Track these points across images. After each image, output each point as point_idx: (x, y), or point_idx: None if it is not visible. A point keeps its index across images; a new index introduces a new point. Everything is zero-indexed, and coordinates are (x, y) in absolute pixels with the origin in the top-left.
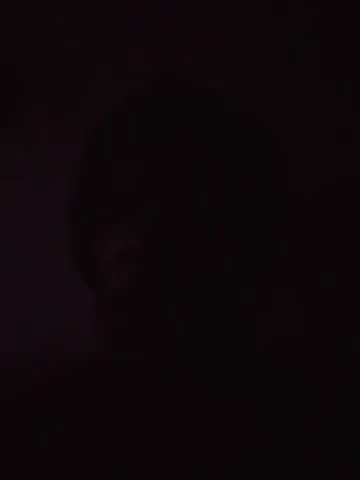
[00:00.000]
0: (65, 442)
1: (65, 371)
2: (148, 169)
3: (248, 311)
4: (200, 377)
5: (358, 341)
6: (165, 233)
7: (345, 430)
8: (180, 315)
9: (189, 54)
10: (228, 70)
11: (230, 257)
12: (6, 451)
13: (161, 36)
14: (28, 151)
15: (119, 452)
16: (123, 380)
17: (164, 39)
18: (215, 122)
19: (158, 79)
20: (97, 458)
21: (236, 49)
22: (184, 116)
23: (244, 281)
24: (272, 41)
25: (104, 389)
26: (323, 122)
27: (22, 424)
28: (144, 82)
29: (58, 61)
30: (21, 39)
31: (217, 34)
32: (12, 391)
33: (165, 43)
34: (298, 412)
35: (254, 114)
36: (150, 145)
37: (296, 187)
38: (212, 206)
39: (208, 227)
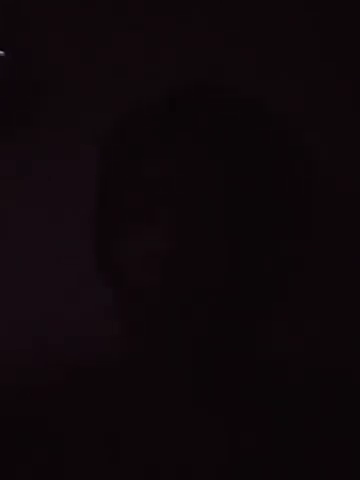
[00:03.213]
0: (65, 442)
1: (66, 371)
2: (179, 169)
3: (264, 313)
4: (218, 372)
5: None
6: (191, 235)
7: (345, 430)
8: (201, 315)
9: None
10: (235, 71)
11: (251, 259)
12: (6, 451)
13: (162, 36)
14: (45, 151)
15: (120, 452)
16: (129, 379)
17: (166, 38)
18: (247, 126)
19: (190, 81)
20: (98, 458)
21: (239, 49)
22: (217, 118)
23: (265, 281)
24: (279, 41)
25: (107, 389)
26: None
27: (22, 424)
28: (175, 84)
29: (76, 61)
30: (38, 39)
31: (217, 34)
32: (12, 391)
33: (167, 42)
34: (300, 412)
35: (286, 117)
36: (182, 145)
37: (327, 187)
38: (236, 207)
39: (232, 228)
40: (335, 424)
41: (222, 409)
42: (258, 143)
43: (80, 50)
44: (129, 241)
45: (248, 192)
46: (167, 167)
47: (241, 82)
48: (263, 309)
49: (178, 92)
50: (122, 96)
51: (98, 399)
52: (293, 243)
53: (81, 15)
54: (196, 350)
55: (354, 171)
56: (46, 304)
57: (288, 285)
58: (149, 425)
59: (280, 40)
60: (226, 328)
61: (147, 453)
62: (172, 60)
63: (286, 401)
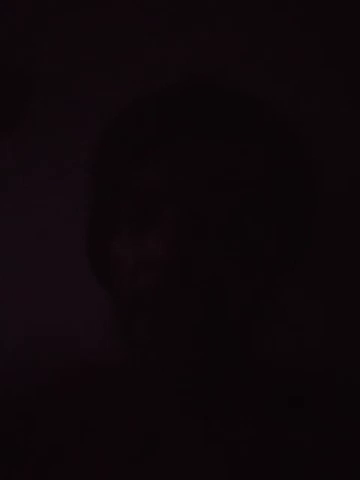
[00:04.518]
0: (65, 442)
1: (70, 373)
2: (178, 170)
3: (262, 313)
4: (214, 380)
5: None
6: (190, 237)
7: (346, 430)
8: (199, 317)
9: (192, 53)
10: (235, 71)
11: (250, 262)
12: (6, 451)
13: (163, 36)
14: (44, 151)
15: (125, 455)
16: (131, 382)
17: (168, 39)
18: (248, 126)
19: (190, 80)
20: (104, 460)
21: (244, 47)
22: (218, 117)
23: (264, 285)
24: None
25: (111, 391)
26: (346, 118)
27: (22, 424)
28: (175, 82)
29: (76, 61)
30: (38, 39)
31: (217, 34)
32: (12, 391)
33: (169, 43)
34: (299, 413)
35: (286, 117)
36: (181, 146)
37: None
38: (233, 210)
39: (229, 231)
40: (335, 424)
41: (221, 409)
42: (258, 144)
43: (80, 50)
44: (128, 243)
45: (247, 192)
46: (166, 168)
47: (241, 82)
48: (262, 310)
49: (177, 92)
50: (122, 96)
51: (98, 399)
52: (293, 243)
53: (81, 15)
54: (195, 352)
55: (354, 171)
56: (46, 304)
57: (287, 286)
58: (148, 425)
59: (280, 40)
60: (225, 330)
61: (146, 453)
62: (172, 60)
63: (285, 402)
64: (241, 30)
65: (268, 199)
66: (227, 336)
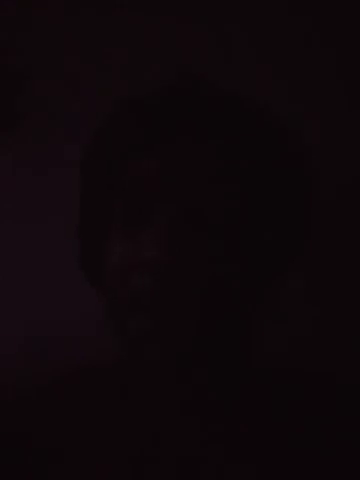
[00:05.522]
0: (71, 444)
1: (69, 373)
2: (175, 168)
3: (260, 314)
4: (213, 379)
5: None
6: (183, 237)
7: (344, 431)
8: (197, 317)
9: (191, 53)
10: (235, 71)
11: (245, 260)
12: (5, 450)
13: (161, 36)
14: (39, 150)
15: (125, 454)
16: (129, 381)
17: (164, 38)
18: (242, 126)
19: (183, 78)
20: (103, 460)
21: (243, 47)
22: (215, 117)
23: (260, 284)
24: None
25: (109, 391)
26: (344, 118)
27: (21, 424)
28: (168, 79)
29: (59, 62)
30: (21, 40)
31: (217, 34)
32: (16, 392)
33: (165, 42)
34: (310, 415)
35: (283, 120)
36: (178, 145)
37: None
38: (229, 210)
39: (224, 231)
40: (335, 424)
41: (221, 409)
42: (256, 143)
43: (79, 50)
44: (122, 242)
45: (244, 192)
46: (161, 168)
47: (241, 82)
48: (261, 310)
49: (175, 92)
50: (121, 96)
51: (96, 398)
52: (291, 243)
53: (80, 16)
54: (193, 352)
55: (354, 171)
56: (45, 304)
57: (286, 286)
58: (147, 424)
59: (280, 40)
60: (223, 330)
61: (146, 453)
62: (171, 60)
63: (285, 402)
64: (240, 31)
65: (265, 198)
66: (226, 336)
